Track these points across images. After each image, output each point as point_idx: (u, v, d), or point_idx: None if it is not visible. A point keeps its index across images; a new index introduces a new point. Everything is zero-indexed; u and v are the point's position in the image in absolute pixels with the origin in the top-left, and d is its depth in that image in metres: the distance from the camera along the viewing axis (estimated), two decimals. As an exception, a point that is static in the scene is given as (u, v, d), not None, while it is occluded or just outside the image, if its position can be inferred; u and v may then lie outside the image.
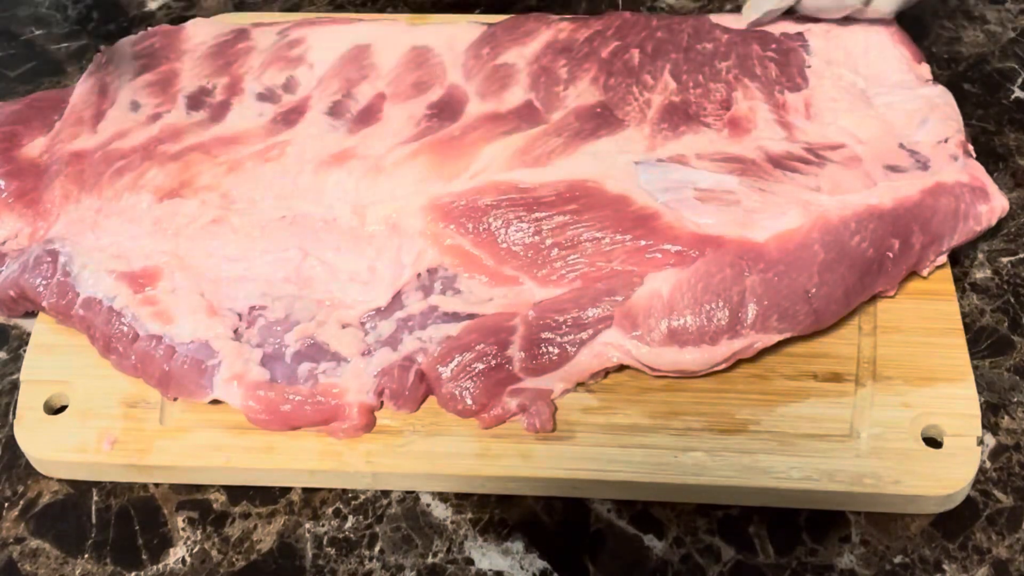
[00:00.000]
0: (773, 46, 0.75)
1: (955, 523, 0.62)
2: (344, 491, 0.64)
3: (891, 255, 0.65)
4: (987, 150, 0.78)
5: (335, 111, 0.74)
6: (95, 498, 0.65)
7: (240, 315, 0.66)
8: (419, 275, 0.67)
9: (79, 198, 0.71)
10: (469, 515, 0.63)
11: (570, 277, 0.65)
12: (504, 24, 0.78)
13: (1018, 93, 0.82)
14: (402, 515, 0.63)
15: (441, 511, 0.63)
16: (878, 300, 0.68)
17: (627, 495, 0.63)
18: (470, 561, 0.61)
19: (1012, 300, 0.71)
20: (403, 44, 0.77)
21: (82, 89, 0.77)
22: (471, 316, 0.65)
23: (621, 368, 0.65)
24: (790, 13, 0.77)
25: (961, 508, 0.62)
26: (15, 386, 0.68)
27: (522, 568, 0.61)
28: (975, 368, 0.66)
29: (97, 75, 0.78)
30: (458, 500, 0.64)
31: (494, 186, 0.68)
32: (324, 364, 0.64)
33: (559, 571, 0.61)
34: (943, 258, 0.68)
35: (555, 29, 0.77)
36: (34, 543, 0.63)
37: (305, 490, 0.64)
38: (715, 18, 0.78)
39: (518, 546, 0.62)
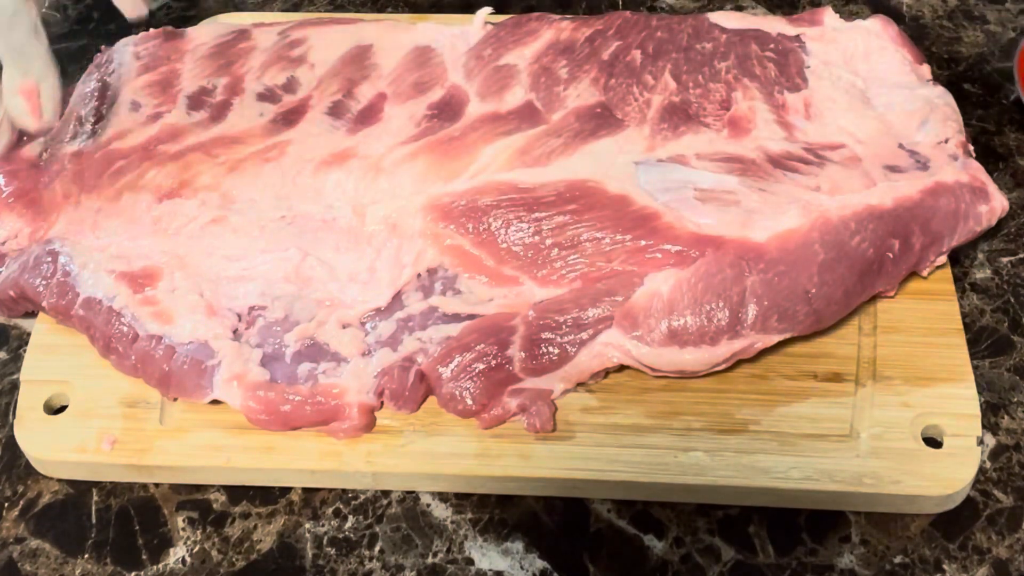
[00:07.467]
0: (772, 46, 0.75)
1: (955, 523, 0.62)
2: (344, 491, 0.64)
3: (891, 255, 0.65)
4: (987, 150, 0.78)
5: (335, 111, 0.73)
6: (95, 498, 0.64)
7: (240, 315, 0.66)
8: (419, 275, 0.67)
9: (79, 198, 0.71)
10: (469, 515, 0.63)
11: (570, 277, 0.65)
12: (506, 24, 0.78)
13: (1018, 93, 0.82)
14: (402, 515, 0.63)
15: (441, 511, 0.63)
16: (878, 300, 0.68)
17: (627, 495, 0.63)
18: (470, 561, 0.61)
19: (1012, 300, 0.71)
20: (404, 44, 0.77)
21: (82, 89, 0.77)
22: (471, 316, 0.65)
23: (621, 368, 0.65)
24: None
25: (961, 508, 0.62)
26: (15, 386, 0.68)
27: (522, 568, 0.61)
28: (975, 368, 0.66)
29: (97, 75, 0.78)
30: (458, 500, 0.64)
31: (494, 186, 0.68)
32: (324, 364, 0.64)
33: (559, 571, 0.61)
34: (943, 258, 0.68)
35: (556, 29, 0.77)
36: (34, 543, 0.63)
37: (305, 490, 0.64)
38: (714, 17, 0.78)
39: (518, 546, 0.62)
